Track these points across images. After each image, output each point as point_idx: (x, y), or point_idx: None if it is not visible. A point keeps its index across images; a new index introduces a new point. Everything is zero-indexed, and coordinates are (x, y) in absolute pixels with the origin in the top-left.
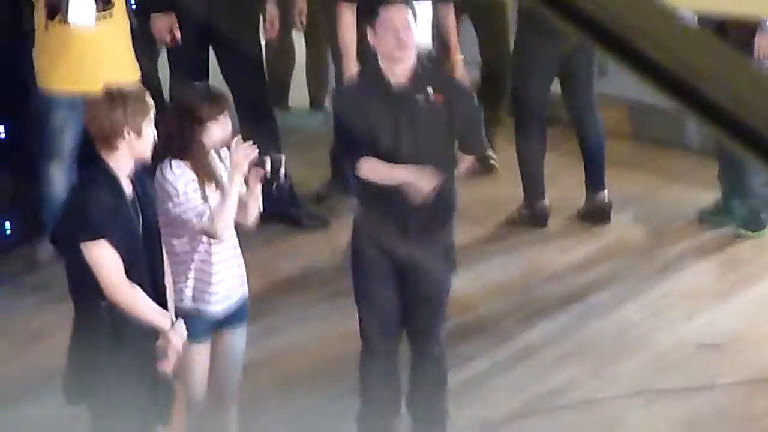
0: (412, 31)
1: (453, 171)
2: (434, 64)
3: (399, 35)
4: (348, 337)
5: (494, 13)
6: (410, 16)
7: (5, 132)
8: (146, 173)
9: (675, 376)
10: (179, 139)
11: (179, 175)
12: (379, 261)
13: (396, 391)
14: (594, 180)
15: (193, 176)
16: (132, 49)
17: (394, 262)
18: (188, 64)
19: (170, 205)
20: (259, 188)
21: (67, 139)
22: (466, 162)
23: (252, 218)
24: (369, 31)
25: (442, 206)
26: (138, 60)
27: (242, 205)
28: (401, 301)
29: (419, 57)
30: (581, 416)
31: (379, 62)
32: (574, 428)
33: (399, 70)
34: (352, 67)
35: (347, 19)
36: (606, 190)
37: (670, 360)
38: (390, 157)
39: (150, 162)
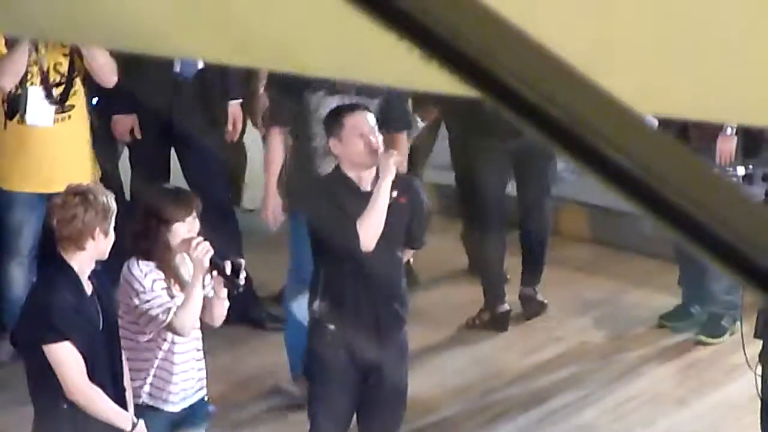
0: (376, 135)
1: (402, 266)
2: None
3: (369, 140)
4: None
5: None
6: (374, 120)
7: None
8: (105, 271)
9: None
10: (146, 239)
11: (146, 273)
12: (341, 362)
13: None
14: (527, 275)
15: (160, 275)
16: (90, 148)
17: (357, 363)
18: (150, 163)
19: (137, 301)
20: (224, 292)
21: (26, 238)
22: (407, 255)
23: (218, 319)
24: (332, 143)
25: (399, 301)
26: (99, 159)
27: (208, 305)
28: (358, 402)
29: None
30: None
31: (344, 170)
32: None
33: (366, 174)
34: (272, 189)
35: (276, 144)
36: (535, 288)
37: None
38: (347, 257)
39: (106, 259)
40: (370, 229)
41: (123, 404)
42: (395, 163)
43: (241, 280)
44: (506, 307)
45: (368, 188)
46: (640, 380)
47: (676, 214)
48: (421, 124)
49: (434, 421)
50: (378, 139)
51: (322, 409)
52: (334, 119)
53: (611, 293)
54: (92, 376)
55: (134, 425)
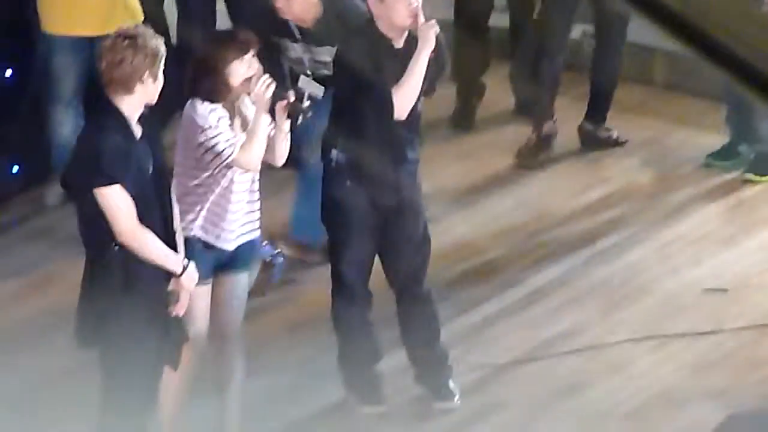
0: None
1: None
2: None
3: (411, 5)
4: None
5: None
6: None
7: (13, 75)
8: (154, 114)
9: (682, 321)
10: (206, 81)
11: (210, 110)
12: (361, 208)
13: (373, 336)
14: (594, 111)
15: (224, 113)
16: None
17: (376, 206)
18: (195, 7)
19: (202, 137)
20: (287, 125)
21: (72, 82)
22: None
23: (280, 158)
24: (372, 1)
25: (413, 146)
26: (143, 3)
27: (270, 144)
28: (381, 245)
29: None
30: (588, 361)
31: (380, 28)
32: (580, 373)
33: (401, 35)
34: None
35: None
36: (602, 125)
37: (677, 305)
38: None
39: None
40: (405, 99)
41: (173, 247)
42: (435, 33)
43: (306, 106)
44: (554, 124)
45: (400, 45)
46: (687, 220)
47: (723, 52)
48: None
49: (481, 263)
50: (419, 2)
51: (343, 257)
52: None
53: (659, 133)
54: (142, 219)
55: (185, 268)
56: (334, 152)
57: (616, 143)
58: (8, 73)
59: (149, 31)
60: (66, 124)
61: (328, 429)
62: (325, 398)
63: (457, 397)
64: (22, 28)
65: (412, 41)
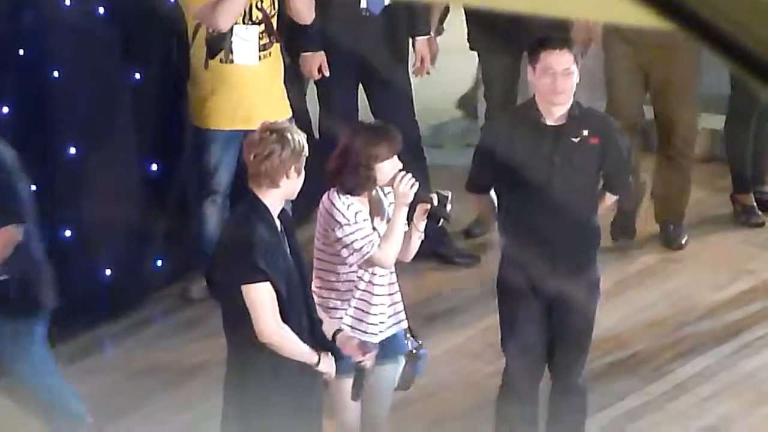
0: (571, 76)
1: (597, 207)
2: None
3: (557, 82)
4: (498, 375)
5: None
6: (571, 61)
7: (159, 169)
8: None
9: None
10: (352, 176)
11: (348, 205)
12: (525, 294)
13: (533, 424)
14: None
15: (362, 207)
16: (284, 87)
17: (541, 296)
18: (338, 101)
19: (339, 233)
20: (423, 224)
21: (222, 176)
22: (608, 200)
23: (411, 253)
24: (529, 70)
25: (587, 239)
26: (288, 97)
27: (404, 241)
28: (547, 336)
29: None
30: None
31: (536, 100)
32: None
33: (555, 111)
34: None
35: None
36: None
37: None
38: (530, 191)
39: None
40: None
41: (317, 338)
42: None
43: (449, 210)
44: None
45: (555, 121)
46: None
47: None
48: None
49: (626, 355)
50: (570, 81)
51: (511, 343)
52: (534, 50)
53: None
54: (289, 314)
55: (320, 360)
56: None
57: None
58: (154, 167)
59: (293, 126)
60: (213, 219)
61: None
62: None
63: None
64: (168, 123)
65: (571, 120)
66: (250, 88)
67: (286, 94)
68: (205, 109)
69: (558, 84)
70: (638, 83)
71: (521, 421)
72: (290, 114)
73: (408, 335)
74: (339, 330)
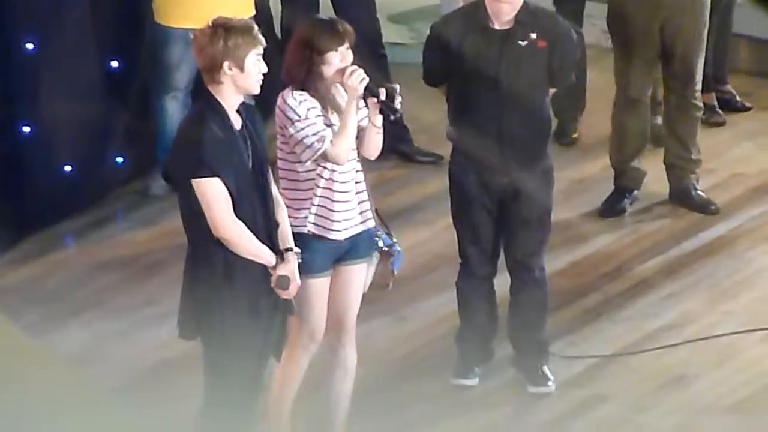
0: None
1: (546, 101)
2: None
3: None
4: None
5: None
6: None
7: (120, 66)
8: (256, 106)
9: None
10: (299, 69)
11: (301, 102)
12: (476, 185)
13: (493, 312)
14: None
15: (315, 103)
16: None
17: (493, 186)
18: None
19: (292, 129)
20: (379, 120)
21: (183, 74)
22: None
23: (374, 151)
24: None
25: (537, 130)
26: None
27: (364, 136)
28: (501, 227)
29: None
30: (694, 353)
31: (485, 3)
32: (686, 365)
33: (501, 16)
34: None
35: None
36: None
37: None
38: (478, 89)
39: (257, 94)
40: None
41: (274, 240)
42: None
43: (397, 105)
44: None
45: (502, 25)
46: None
47: None
48: None
49: (587, 254)
50: None
51: (464, 231)
52: None
53: None
54: (239, 213)
55: (279, 262)
56: (449, 128)
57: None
58: (115, 63)
59: (239, 21)
60: (174, 116)
61: (431, 405)
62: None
63: (551, 382)
64: (128, 20)
65: (517, 25)
66: None
67: None
68: (166, 6)
69: None
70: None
71: (479, 299)
72: (253, 12)
73: (380, 233)
74: (289, 249)
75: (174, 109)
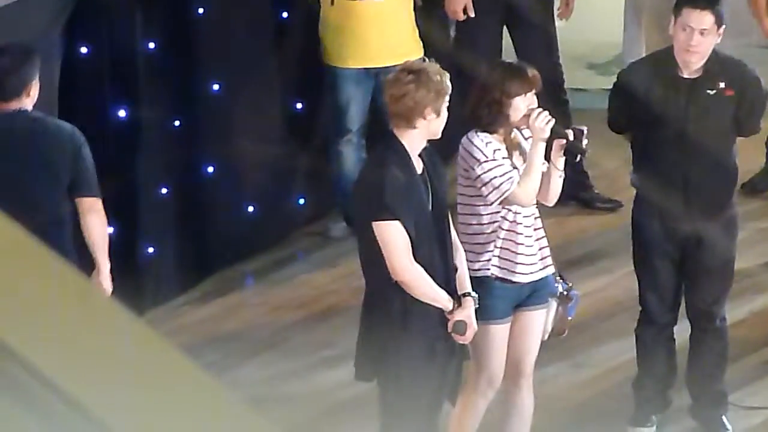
0: (709, 36)
1: (732, 149)
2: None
3: (691, 41)
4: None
5: None
6: (711, 22)
7: (303, 108)
8: (439, 150)
9: None
10: (487, 112)
11: (487, 143)
12: (660, 233)
13: (672, 361)
14: None
15: (501, 145)
16: (416, 25)
17: (676, 234)
18: (482, 41)
19: (479, 170)
20: (561, 163)
21: (355, 115)
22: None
23: (553, 196)
24: (673, 20)
25: (723, 178)
26: (432, 39)
27: (544, 181)
28: (683, 275)
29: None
30: None
31: (674, 52)
32: None
33: (690, 64)
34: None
35: None
36: None
37: None
38: (665, 136)
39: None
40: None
41: (452, 284)
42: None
43: (585, 145)
44: None
45: (690, 73)
46: None
47: None
48: None
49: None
50: (704, 42)
51: (645, 279)
52: (679, 2)
53: None
54: (418, 256)
55: (456, 306)
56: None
57: None
58: (299, 105)
59: (434, 66)
60: (348, 158)
61: None
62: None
63: None
64: (312, 61)
65: (706, 73)
66: (376, 26)
67: (416, 33)
68: (333, 47)
69: (693, 42)
70: None
71: (658, 348)
72: (421, 53)
73: (557, 278)
74: (466, 294)
75: (348, 151)
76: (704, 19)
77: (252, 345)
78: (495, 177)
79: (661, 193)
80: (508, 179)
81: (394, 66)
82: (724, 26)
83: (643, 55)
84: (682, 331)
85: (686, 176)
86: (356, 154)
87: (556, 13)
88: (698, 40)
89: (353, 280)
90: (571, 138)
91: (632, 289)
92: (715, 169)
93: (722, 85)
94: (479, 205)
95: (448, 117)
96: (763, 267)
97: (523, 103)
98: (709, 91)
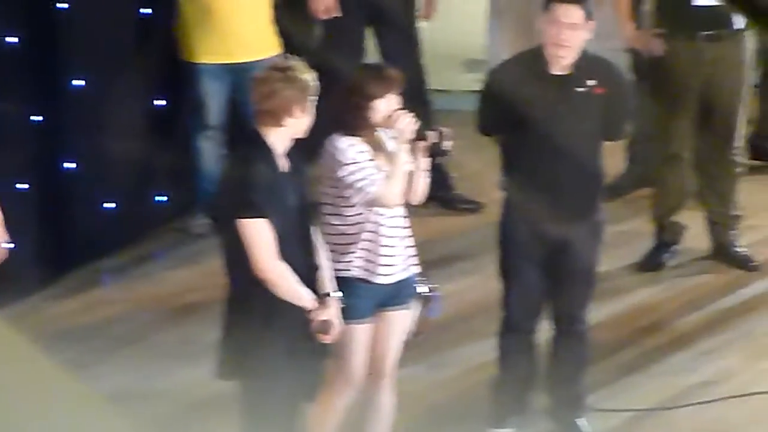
0: (578, 31)
1: (600, 153)
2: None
3: (560, 35)
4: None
5: None
6: (581, 17)
7: (166, 105)
8: (300, 149)
9: None
10: (348, 115)
11: (350, 146)
12: (527, 237)
13: (533, 366)
14: None
15: (364, 148)
16: (272, 22)
17: (544, 239)
18: (347, 41)
19: (342, 173)
20: (425, 163)
21: (213, 111)
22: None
23: (419, 196)
24: (542, 17)
25: (590, 183)
26: (297, 38)
27: (410, 182)
28: (549, 280)
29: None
30: (730, 410)
31: (544, 48)
32: (721, 422)
33: (560, 60)
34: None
35: None
36: None
37: None
38: (534, 136)
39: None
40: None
41: (315, 283)
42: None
43: (446, 146)
44: None
45: (560, 71)
46: None
47: None
48: None
49: (624, 307)
50: (574, 36)
51: (510, 283)
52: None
53: None
54: (282, 255)
55: (320, 306)
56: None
57: None
58: (161, 102)
59: (301, 65)
60: (208, 154)
61: None
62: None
63: None
64: (175, 59)
65: (576, 70)
66: (233, 22)
67: (274, 30)
68: (190, 43)
69: (562, 36)
70: None
71: (519, 352)
72: (279, 50)
73: (420, 279)
74: (330, 294)
75: (208, 147)
76: (573, 13)
77: (112, 341)
78: (358, 180)
79: (530, 196)
80: (371, 182)
81: (251, 62)
82: (593, 21)
83: (507, 56)
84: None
85: (555, 179)
86: (216, 150)
87: (418, 13)
88: (568, 35)
89: (215, 277)
90: (433, 140)
91: (492, 291)
92: (583, 173)
93: (591, 83)
94: (343, 206)
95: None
96: (621, 270)
97: (386, 105)
98: (578, 89)
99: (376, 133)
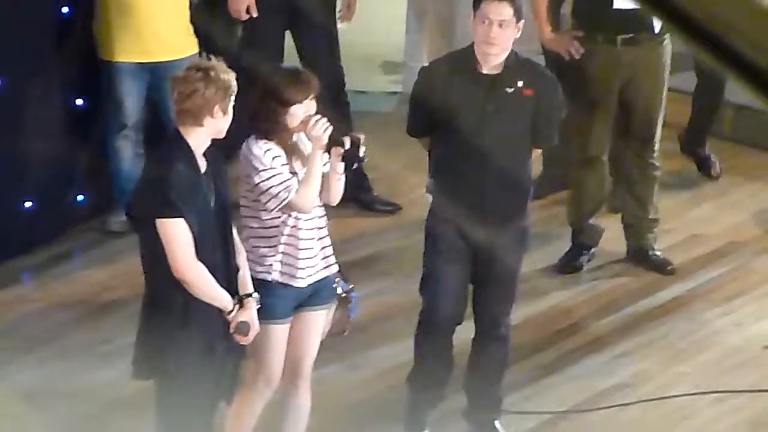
0: (508, 29)
1: (529, 158)
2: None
3: (490, 33)
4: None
5: None
6: (510, 14)
7: (84, 104)
8: (220, 150)
9: (743, 377)
10: (264, 119)
11: (266, 151)
12: (452, 240)
13: (448, 361)
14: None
15: (280, 152)
16: (191, 23)
17: (469, 243)
18: (265, 43)
19: (257, 178)
20: (341, 167)
21: (130, 110)
22: (533, 154)
23: (335, 198)
24: (472, 14)
25: (517, 188)
26: (217, 38)
27: (325, 183)
28: (473, 283)
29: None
30: (646, 413)
31: (474, 48)
32: (639, 424)
33: (490, 59)
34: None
35: None
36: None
37: (739, 360)
38: (462, 138)
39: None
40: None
41: (233, 285)
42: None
43: (362, 154)
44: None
45: (490, 70)
46: (753, 275)
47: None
48: None
49: (544, 308)
50: (504, 34)
51: (432, 286)
52: None
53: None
54: (200, 256)
55: (237, 307)
56: (429, 180)
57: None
58: (79, 101)
59: (222, 65)
60: (125, 153)
61: None
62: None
63: None
64: (93, 57)
65: (505, 70)
66: (149, 20)
67: (192, 30)
68: (107, 41)
69: (492, 34)
70: None
71: (436, 351)
72: (196, 50)
73: (338, 279)
74: (248, 295)
75: (125, 147)
76: (503, 10)
77: (27, 341)
78: (273, 186)
79: (457, 200)
80: (285, 187)
81: (169, 61)
82: (522, 21)
83: (425, 59)
84: (459, 332)
85: (481, 182)
86: (133, 149)
87: (338, 15)
88: (497, 32)
89: (132, 277)
90: (348, 146)
91: (410, 292)
92: (511, 177)
93: (521, 84)
94: (260, 210)
95: (231, 117)
96: (538, 272)
97: (301, 110)
98: (507, 89)
99: (292, 138)
